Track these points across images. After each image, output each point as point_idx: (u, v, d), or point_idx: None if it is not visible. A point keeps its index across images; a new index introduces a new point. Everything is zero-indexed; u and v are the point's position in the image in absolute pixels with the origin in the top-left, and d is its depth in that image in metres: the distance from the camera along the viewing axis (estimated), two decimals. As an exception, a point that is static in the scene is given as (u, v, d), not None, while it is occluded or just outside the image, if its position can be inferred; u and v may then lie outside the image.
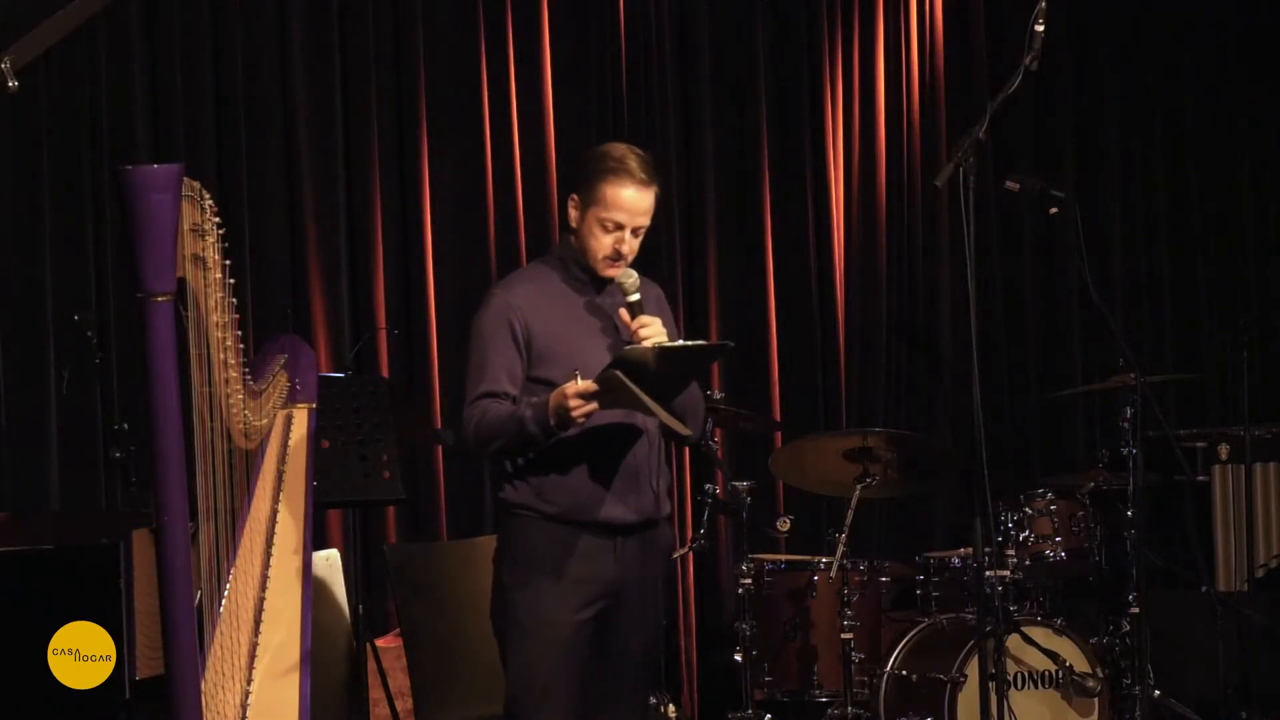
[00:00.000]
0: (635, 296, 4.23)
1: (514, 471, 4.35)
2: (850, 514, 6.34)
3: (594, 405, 4.11)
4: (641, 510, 4.31)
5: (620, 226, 4.24)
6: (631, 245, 4.27)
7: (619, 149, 4.34)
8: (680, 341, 4.18)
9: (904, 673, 6.34)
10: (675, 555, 6.30)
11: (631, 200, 4.24)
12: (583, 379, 4.13)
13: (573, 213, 4.37)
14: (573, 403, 4.11)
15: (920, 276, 7.80)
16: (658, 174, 4.31)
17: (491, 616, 4.48)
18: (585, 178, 4.32)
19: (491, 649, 4.74)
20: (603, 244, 4.25)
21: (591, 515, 4.27)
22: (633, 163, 4.26)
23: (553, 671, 4.25)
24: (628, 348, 4.09)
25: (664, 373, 4.09)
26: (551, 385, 4.25)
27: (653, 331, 4.18)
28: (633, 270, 4.27)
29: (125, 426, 5.58)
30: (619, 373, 4.01)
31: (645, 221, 4.26)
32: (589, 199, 4.29)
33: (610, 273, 4.27)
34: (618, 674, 4.33)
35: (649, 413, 4.10)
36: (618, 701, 4.35)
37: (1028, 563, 6.54)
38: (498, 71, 6.99)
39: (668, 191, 7.29)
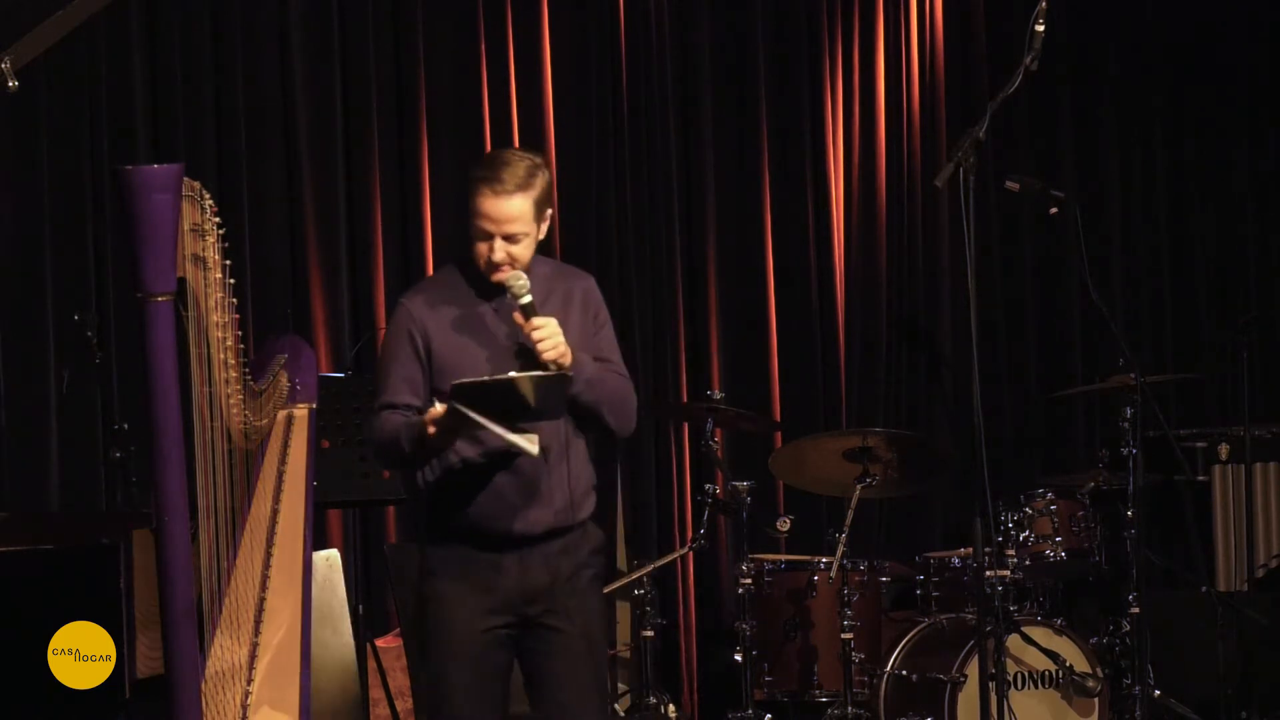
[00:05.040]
0: (527, 299, 4.18)
1: (422, 485, 4.36)
2: (850, 514, 6.34)
3: (451, 432, 4.12)
4: (541, 522, 4.24)
5: (490, 234, 4.22)
6: (510, 252, 4.20)
7: (495, 156, 4.32)
8: (511, 374, 4.13)
9: (904, 673, 6.35)
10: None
11: (492, 208, 4.20)
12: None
13: None
14: (430, 429, 4.12)
15: (920, 276, 7.79)
16: (535, 177, 4.21)
17: (402, 626, 4.47)
18: (467, 184, 4.33)
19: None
20: (480, 251, 4.24)
21: (491, 528, 4.24)
22: (498, 170, 4.22)
23: (463, 680, 4.23)
24: (460, 381, 4.06)
25: (511, 399, 4.08)
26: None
27: (545, 334, 4.14)
28: (521, 273, 4.20)
29: (125, 426, 5.58)
30: (456, 404, 4.01)
31: (515, 229, 4.20)
32: (469, 206, 4.30)
33: (497, 278, 4.22)
34: (564, 677, 4.29)
35: (502, 437, 4.09)
36: (568, 703, 4.32)
37: (1028, 563, 6.54)
38: (498, 71, 6.99)
39: (668, 191, 7.31)
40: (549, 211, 4.30)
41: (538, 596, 4.26)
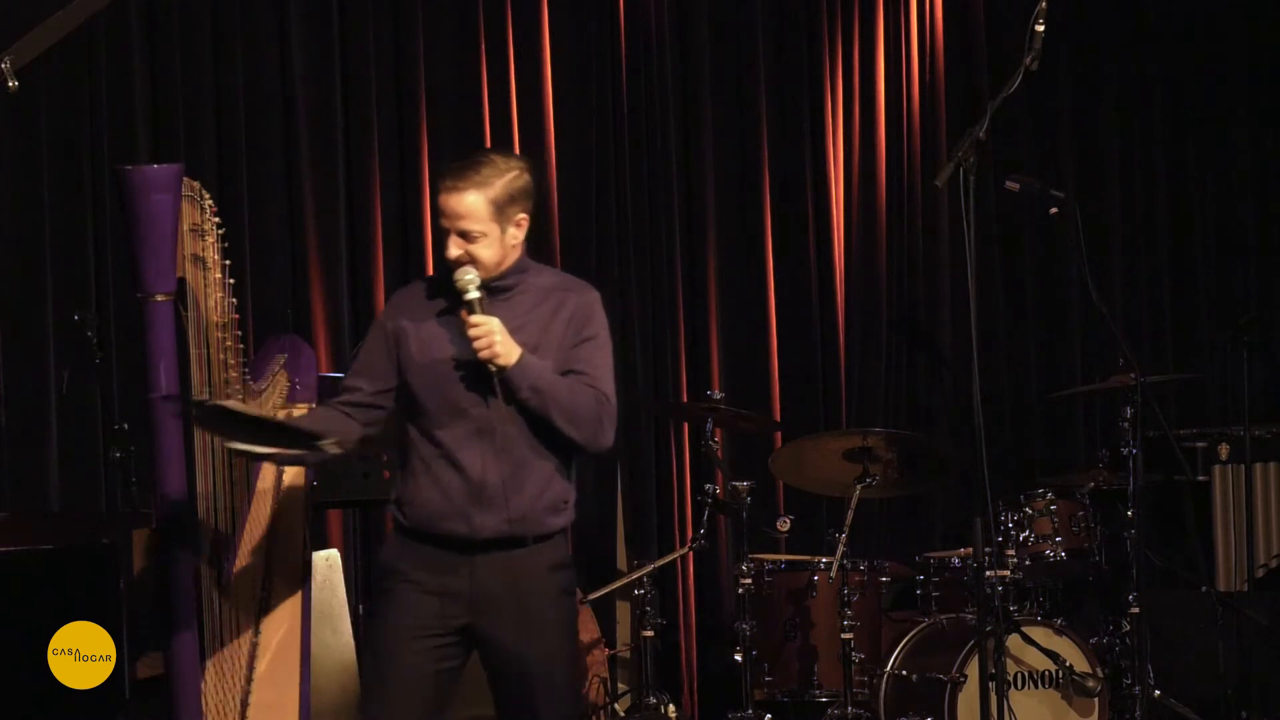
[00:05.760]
0: (471, 295, 4.17)
1: (391, 481, 4.38)
2: (850, 514, 6.34)
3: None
4: (489, 528, 4.21)
5: (448, 230, 4.23)
6: (469, 250, 4.20)
7: (468, 155, 4.33)
8: (238, 407, 4.19)
9: (904, 673, 6.35)
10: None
11: (443, 203, 4.21)
12: (443, 388, 4.20)
13: None
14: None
15: (920, 276, 7.79)
16: (497, 177, 4.20)
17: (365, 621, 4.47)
18: None
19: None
20: (446, 247, 4.27)
21: (437, 528, 4.23)
22: (457, 167, 4.24)
23: (400, 676, 4.23)
24: (195, 403, 4.19)
25: (247, 425, 4.15)
26: (411, 391, 4.27)
27: (479, 333, 4.13)
28: (471, 269, 4.19)
29: (125, 426, 5.58)
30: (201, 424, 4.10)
31: (467, 225, 4.19)
32: None
33: (455, 275, 4.24)
34: (516, 689, 4.28)
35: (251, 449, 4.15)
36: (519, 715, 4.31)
37: (1028, 563, 6.54)
38: (498, 71, 6.99)
39: (668, 191, 7.31)
40: (520, 215, 4.25)
41: (489, 607, 4.22)
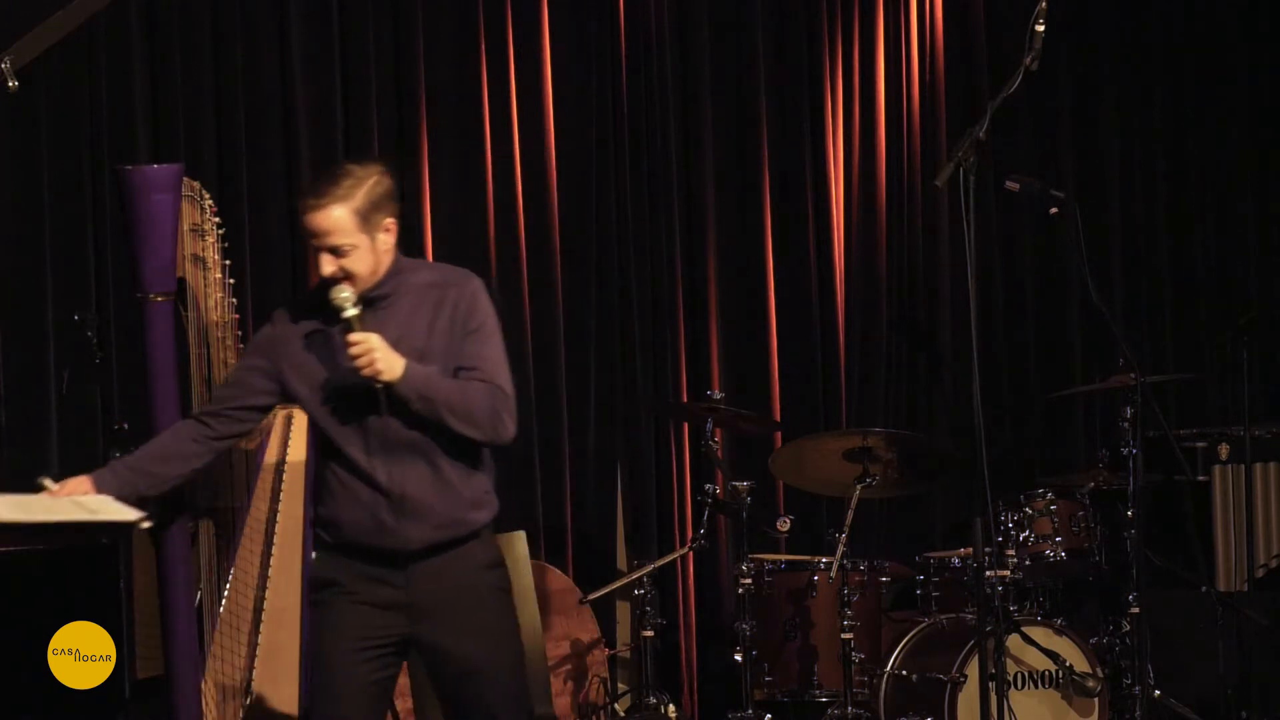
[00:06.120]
0: (350, 312, 4.13)
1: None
2: (850, 514, 6.34)
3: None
4: (419, 538, 4.19)
5: (318, 249, 4.19)
6: (341, 265, 4.16)
7: (325, 171, 4.29)
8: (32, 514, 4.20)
9: (904, 673, 6.35)
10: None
11: (308, 222, 4.17)
12: (338, 408, 4.18)
13: None
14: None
15: (920, 276, 7.79)
16: (355, 188, 4.15)
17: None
18: None
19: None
20: (319, 266, 4.22)
21: (361, 542, 4.20)
22: (316, 184, 4.20)
23: (344, 687, 4.21)
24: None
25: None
26: (309, 413, 4.26)
27: (361, 350, 4.08)
28: (346, 288, 4.14)
29: (125, 426, 5.58)
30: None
31: (336, 240, 4.14)
32: None
33: (331, 294, 4.19)
34: (465, 692, 4.27)
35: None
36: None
37: (1028, 563, 6.54)
38: (498, 71, 6.99)
39: (668, 191, 7.30)
40: (387, 220, 4.21)
41: (428, 614, 4.21)
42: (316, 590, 4.31)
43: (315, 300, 4.25)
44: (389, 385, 4.11)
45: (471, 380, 4.19)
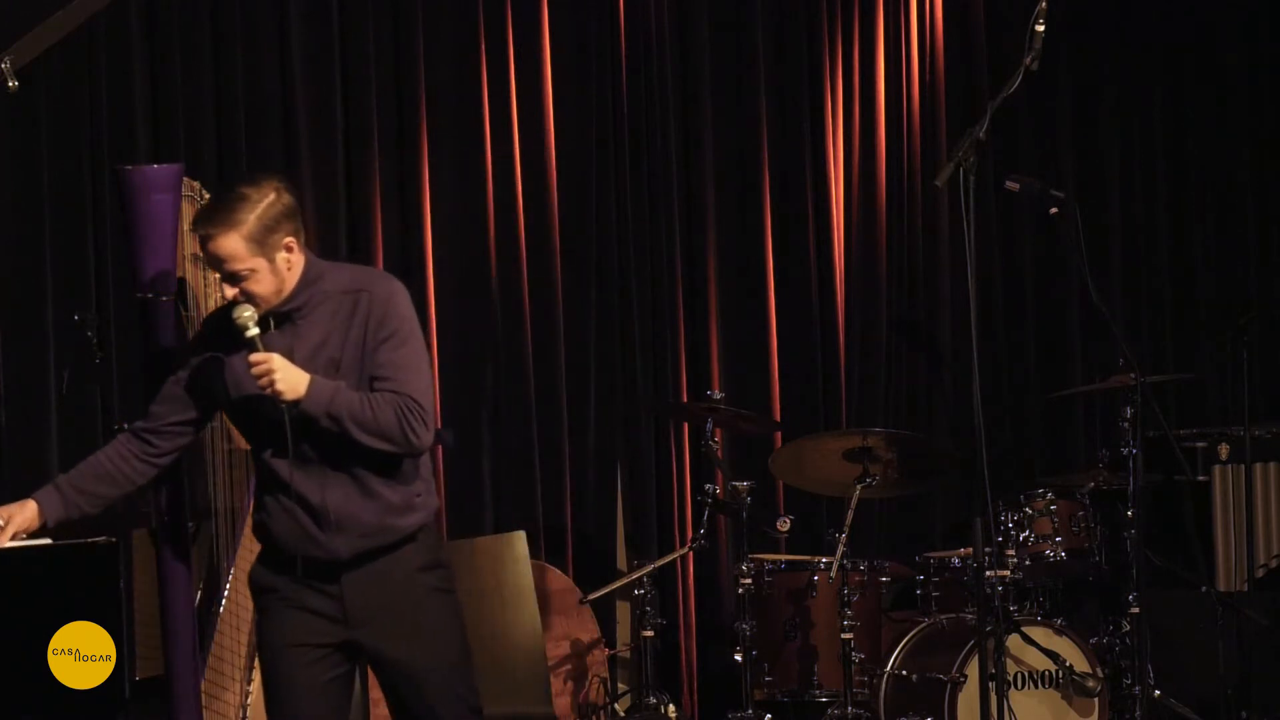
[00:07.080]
0: (252, 332, 4.08)
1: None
2: (850, 514, 6.34)
3: None
4: (346, 549, 4.16)
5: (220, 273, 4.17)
6: (244, 289, 4.11)
7: (216, 195, 4.24)
8: None
9: (904, 673, 6.35)
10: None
11: (204, 250, 4.13)
12: (257, 423, 4.17)
13: None
14: None
15: (920, 276, 7.79)
16: (245, 211, 4.07)
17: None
18: None
19: (491, 648, 4.75)
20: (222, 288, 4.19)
21: (293, 552, 4.18)
22: (205, 212, 4.14)
23: (295, 692, 4.19)
24: None
25: None
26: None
27: (262, 370, 4.04)
28: (248, 307, 4.09)
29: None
30: None
31: (232, 268, 4.09)
32: None
33: (234, 314, 4.14)
34: (409, 694, 4.25)
35: None
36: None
37: (1028, 563, 6.54)
38: (498, 71, 6.99)
39: (668, 191, 7.30)
40: (286, 240, 4.12)
41: (364, 620, 4.19)
42: (258, 596, 4.29)
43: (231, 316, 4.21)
44: (294, 404, 4.07)
45: (382, 391, 4.13)
